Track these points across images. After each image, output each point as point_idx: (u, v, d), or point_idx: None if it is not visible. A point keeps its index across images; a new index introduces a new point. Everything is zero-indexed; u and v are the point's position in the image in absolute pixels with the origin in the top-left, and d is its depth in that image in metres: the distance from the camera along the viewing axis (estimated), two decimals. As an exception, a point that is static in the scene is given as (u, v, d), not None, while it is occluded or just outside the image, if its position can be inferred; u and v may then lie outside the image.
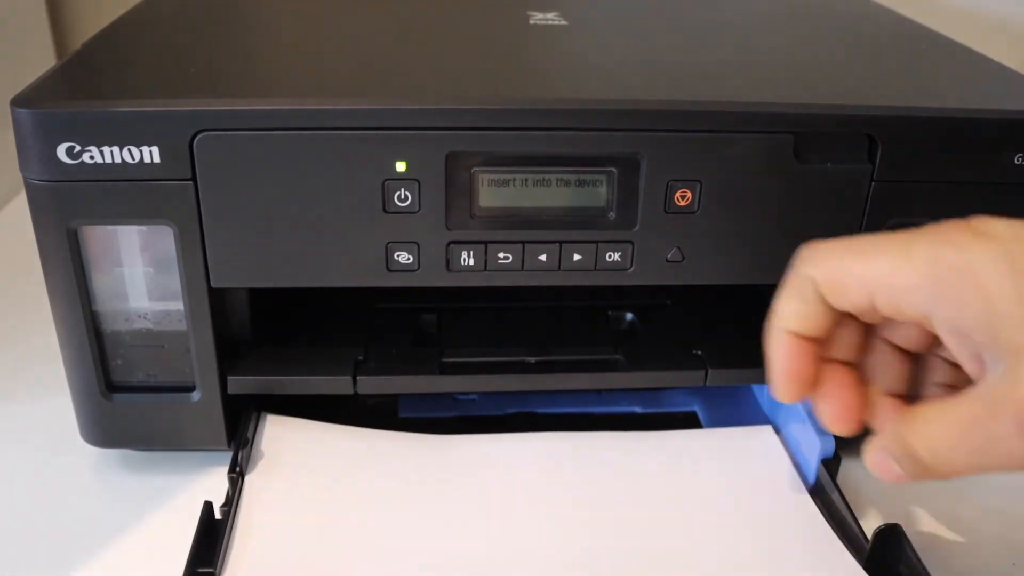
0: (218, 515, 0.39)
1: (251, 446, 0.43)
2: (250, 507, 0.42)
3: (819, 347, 0.35)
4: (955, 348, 0.32)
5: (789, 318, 0.35)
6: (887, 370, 0.37)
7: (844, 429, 0.36)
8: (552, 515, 0.42)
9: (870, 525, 0.39)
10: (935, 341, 0.35)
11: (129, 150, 0.37)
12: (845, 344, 0.36)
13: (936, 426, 0.31)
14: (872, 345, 0.37)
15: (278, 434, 0.46)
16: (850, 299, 0.33)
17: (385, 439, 0.46)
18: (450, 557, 0.39)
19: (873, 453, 0.34)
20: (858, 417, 0.36)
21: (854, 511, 0.41)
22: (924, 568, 0.37)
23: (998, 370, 0.29)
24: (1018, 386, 0.28)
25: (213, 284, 0.40)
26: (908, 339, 0.36)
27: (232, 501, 0.39)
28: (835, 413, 0.36)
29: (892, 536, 0.38)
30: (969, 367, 0.32)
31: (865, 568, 0.39)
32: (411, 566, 0.39)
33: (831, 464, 0.44)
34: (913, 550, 0.37)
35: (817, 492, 0.44)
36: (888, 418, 0.36)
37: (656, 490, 0.44)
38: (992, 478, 0.46)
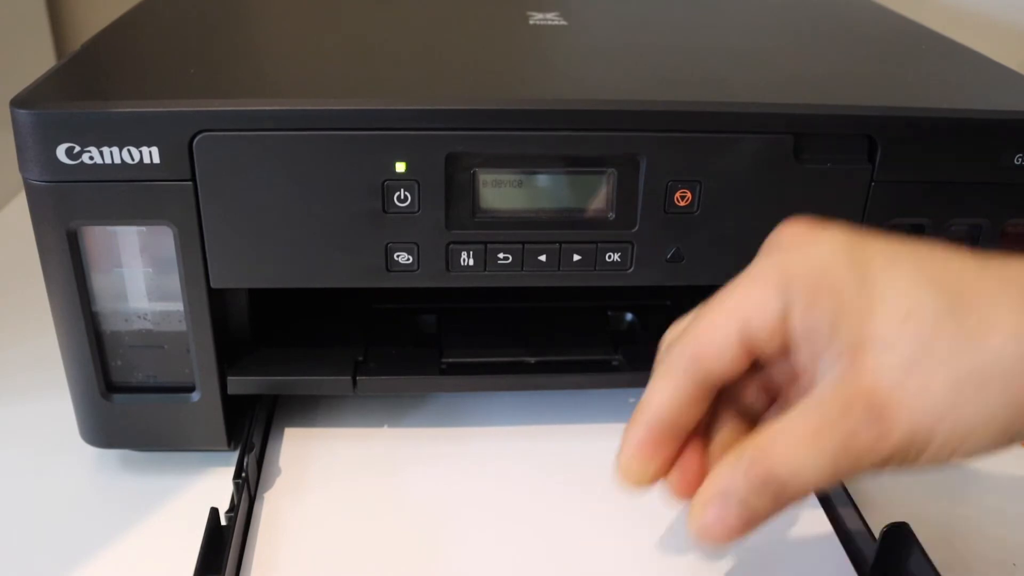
0: (223, 521, 0.39)
1: (256, 451, 0.43)
2: (256, 513, 0.42)
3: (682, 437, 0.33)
4: (805, 355, 0.30)
5: (664, 408, 0.31)
6: (728, 433, 0.34)
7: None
8: (564, 517, 0.42)
9: (871, 524, 0.39)
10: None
11: (129, 150, 0.37)
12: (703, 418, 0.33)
13: (787, 437, 0.29)
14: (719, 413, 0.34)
15: (284, 438, 0.46)
16: (724, 352, 0.31)
17: (394, 442, 0.46)
18: (454, 558, 0.40)
19: (704, 507, 0.30)
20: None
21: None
22: (934, 567, 0.36)
23: (836, 369, 0.29)
24: (862, 377, 0.28)
25: (213, 284, 0.40)
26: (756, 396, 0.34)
27: (237, 507, 0.39)
28: (684, 483, 0.32)
29: (900, 535, 0.38)
30: (804, 378, 0.31)
31: (873, 567, 0.39)
32: (426, 569, 0.39)
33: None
34: (922, 549, 0.37)
35: (822, 492, 0.44)
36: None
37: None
38: (993, 478, 0.46)
